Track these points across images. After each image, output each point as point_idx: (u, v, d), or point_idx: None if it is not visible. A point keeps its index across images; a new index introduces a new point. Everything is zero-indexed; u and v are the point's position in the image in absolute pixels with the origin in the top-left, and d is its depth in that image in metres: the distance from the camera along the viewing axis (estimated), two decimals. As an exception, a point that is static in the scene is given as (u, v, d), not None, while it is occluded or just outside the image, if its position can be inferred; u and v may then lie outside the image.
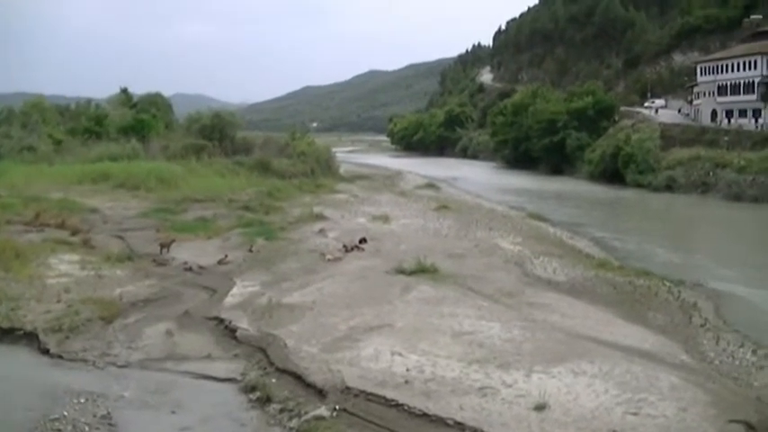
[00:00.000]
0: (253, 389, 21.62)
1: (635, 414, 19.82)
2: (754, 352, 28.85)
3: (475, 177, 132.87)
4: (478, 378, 21.88)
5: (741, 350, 29.07)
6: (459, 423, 18.87)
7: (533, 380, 21.88)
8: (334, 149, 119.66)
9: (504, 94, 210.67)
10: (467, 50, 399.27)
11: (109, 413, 20.18)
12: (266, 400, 20.85)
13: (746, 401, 22.52)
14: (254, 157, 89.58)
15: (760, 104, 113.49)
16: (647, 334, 29.70)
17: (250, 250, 42.26)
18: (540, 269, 42.05)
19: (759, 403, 22.65)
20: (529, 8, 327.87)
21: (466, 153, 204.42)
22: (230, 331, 27.04)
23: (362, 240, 44.94)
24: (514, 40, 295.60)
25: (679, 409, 20.30)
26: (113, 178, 69.70)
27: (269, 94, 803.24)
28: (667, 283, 40.45)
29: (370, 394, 20.54)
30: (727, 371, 26.45)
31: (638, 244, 58.51)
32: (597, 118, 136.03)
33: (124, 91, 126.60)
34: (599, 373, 22.82)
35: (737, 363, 27.57)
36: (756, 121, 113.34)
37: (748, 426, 20.11)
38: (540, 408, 19.72)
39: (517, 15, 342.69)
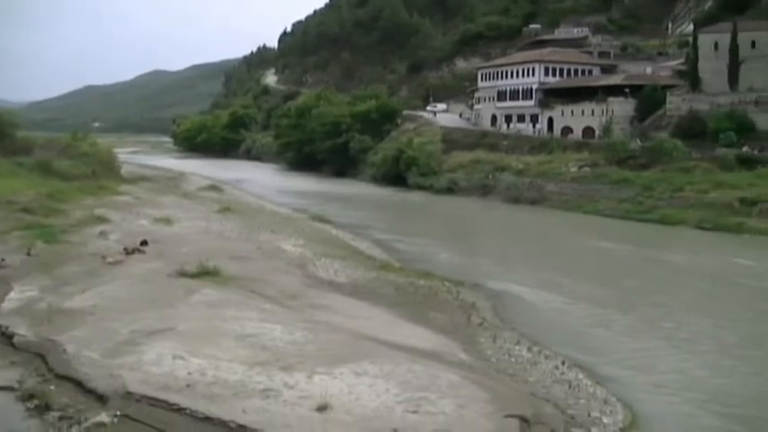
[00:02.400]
0: (31, 397, 21.06)
1: (415, 412, 20.30)
2: (529, 349, 30.05)
3: (259, 179, 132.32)
4: (261, 380, 22.00)
5: (517, 347, 30.21)
6: (243, 426, 18.99)
7: (316, 381, 22.15)
8: (116, 150, 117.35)
9: (289, 97, 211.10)
10: (252, 52, 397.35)
11: None
12: (45, 408, 20.34)
13: (522, 397, 23.43)
14: (35, 157, 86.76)
15: (537, 110, 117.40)
16: (427, 334, 30.45)
17: (29, 254, 41.06)
18: (323, 271, 42.53)
19: (533, 398, 23.62)
20: (315, 11, 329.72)
21: (250, 155, 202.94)
22: (7, 338, 26.27)
23: (144, 243, 44.37)
24: (300, 43, 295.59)
25: (458, 406, 20.90)
26: None
27: (51, 93, 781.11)
28: (447, 284, 41.56)
29: (152, 399, 20.39)
30: (504, 368, 27.45)
31: (420, 246, 59.53)
32: (381, 121, 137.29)
33: None
34: (381, 373, 23.26)
35: (513, 360, 28.64)
36: (534, 126, 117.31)
37: (523, 420, 20.90)
38: (323, 408, 19.99)
39: (303, 18, 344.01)
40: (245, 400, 20.48)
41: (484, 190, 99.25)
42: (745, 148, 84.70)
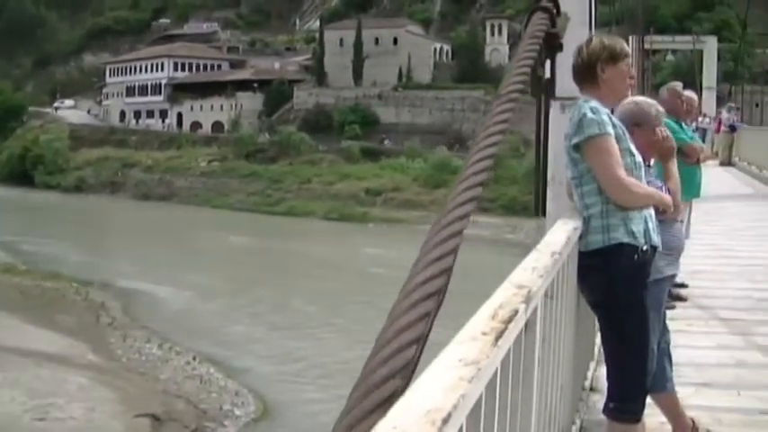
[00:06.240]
0: None
1: (43, 419, 20.05)
2: (160, 346, 30.20)
3: None
4: None
5: (148, 345, 30.30)
6: None
7: (-65, 396, 21.32)
8: None
9: None
10: None
11: None
12: None
13: (153, 395, 23.55)
14: None
15: (167, 105, 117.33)
16: (55, 337, 29.97)
17: None
18: (-59, 280, 40.87)
19: (165, 395, 23.78)
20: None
21: None
22: None
23: None
24: None
25: (87, 410, 20.77)
26: None
27: None
28: (76, 285, 40.96)
29: None
30: (135, 367, 27.46)
31: (47, 247, 58.06)
32: (5, 118, 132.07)
33: None
34: (5, 381, 22.76)
35: (144, 358, 28.70)
36: (164, 121, 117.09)
37: (154, 418, 20.99)
38: (-58, 424, 19.31)
39: None
40: None
41: (113, 187, 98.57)
42: (386, 142, 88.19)
